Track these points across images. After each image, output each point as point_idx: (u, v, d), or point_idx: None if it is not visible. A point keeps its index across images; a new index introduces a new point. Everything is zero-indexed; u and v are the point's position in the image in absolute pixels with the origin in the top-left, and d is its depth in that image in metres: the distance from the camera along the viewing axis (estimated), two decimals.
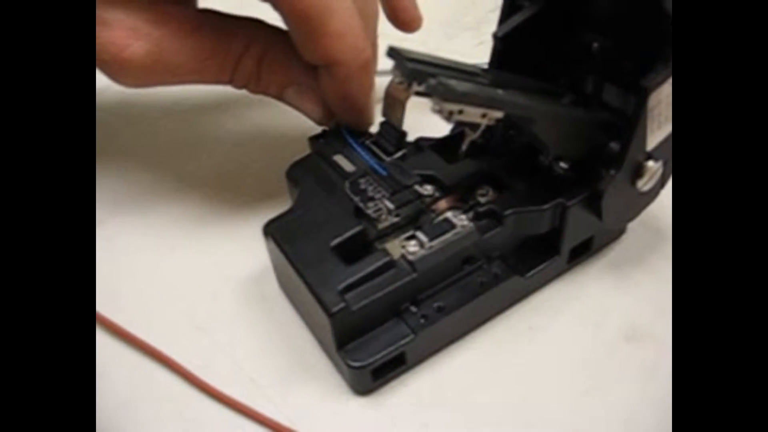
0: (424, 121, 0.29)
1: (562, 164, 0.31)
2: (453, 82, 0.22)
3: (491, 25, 0.31)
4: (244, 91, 0.34)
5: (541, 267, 0.30)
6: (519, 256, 0.30)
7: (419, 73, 0.24)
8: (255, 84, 0.33)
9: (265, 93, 0.33)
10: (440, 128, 0.33)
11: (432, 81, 0.23)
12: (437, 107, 0.23)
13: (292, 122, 0.42)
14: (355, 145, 0.31)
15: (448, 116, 0.23)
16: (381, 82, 0.32)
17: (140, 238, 0.35)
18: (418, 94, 0.25)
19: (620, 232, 0.34)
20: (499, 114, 0.25)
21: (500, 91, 0.25)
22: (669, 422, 0.26)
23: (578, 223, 0.29)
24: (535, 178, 0.30)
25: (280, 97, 0.33)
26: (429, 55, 0.26)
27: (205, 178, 0.39)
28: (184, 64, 0.31)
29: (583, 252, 0.32)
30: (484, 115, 0.24)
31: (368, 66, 0.31)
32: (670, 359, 0.28)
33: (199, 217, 0.36)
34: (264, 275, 0.32)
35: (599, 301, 0.31)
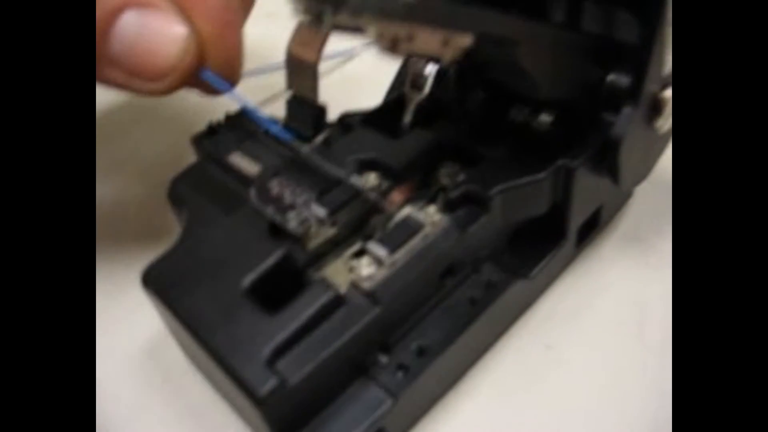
0: (345, 96, 0.21)
1: (544, 117, 0.22)
2: None
3: None
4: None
5: (546, 260, 0.21)
6: (513, 253, 0.21)
7: None
8: None
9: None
10: (367, 101, 0.24)
11: None
12: (376, 31, 0.14)
13: (172, 132, 0.32)
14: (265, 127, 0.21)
15: (391, 45, 0.14)
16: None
17: None
18: (338, 28, 0.16)
19: (626, 196, 0.25)
20: (467, 39, 0.16)
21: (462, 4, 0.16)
22: None
23: (587, 190, 0.21)
24: (512, 141, 0.22)
25: (104, 44, 0.20)
26: None
27: None
28: None
29: (591, 230, 0.24)
30: (446, 43, 0.15)
31: None
32: None
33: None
34: (163, 342, 0.23)
35: (626, 289, 0.23)
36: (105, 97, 0.34)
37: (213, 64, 0.22)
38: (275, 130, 0.21)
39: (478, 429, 0.20)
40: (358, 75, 0.34)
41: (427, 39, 0.15)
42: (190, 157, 0.24)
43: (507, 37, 0.16)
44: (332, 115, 0.23)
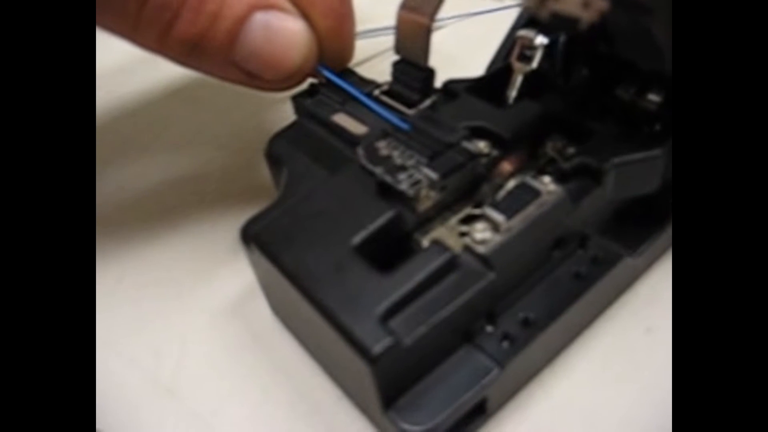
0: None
1: (652, 97, 0.22)
2: None
3: None
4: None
5: (650, 240, 0.21)
6: (616, 231, 0.21)
7: None
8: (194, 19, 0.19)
9: (209, 49, 0.20)
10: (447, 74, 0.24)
11: None
12: None
13: (257, 97, 0.32)
14: (360, 96, 0.21)
15: (538, 1, 0.14)
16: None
17: None
18: None
19: None
20: (605, 2, 0.15)
21: None
22: None
23: None
24: (620, 118, 0.21)
25: (230, 49, 0.20)
26: None
27: (148, 190, 0.28)
28: None
29: None
30: (586, 4, 0.15)
31: None
32: None
33: (150, 243, 0.26)
34: (249, 300, 0.23)
35: None
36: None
37: (327, 56, 0.22)
38: (388, 116, 0.20)
39: (572, 408, 0.19)
40: (441, 47, 0.33)
41: None
42: (271, 125, 0.24)
43: (643, 3, 0.16)
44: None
